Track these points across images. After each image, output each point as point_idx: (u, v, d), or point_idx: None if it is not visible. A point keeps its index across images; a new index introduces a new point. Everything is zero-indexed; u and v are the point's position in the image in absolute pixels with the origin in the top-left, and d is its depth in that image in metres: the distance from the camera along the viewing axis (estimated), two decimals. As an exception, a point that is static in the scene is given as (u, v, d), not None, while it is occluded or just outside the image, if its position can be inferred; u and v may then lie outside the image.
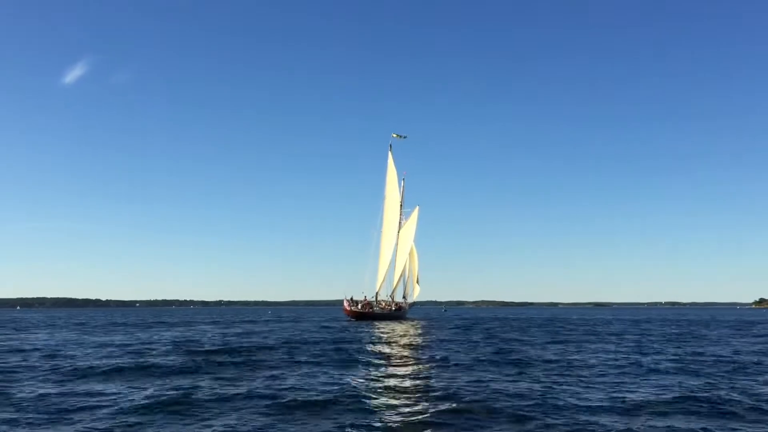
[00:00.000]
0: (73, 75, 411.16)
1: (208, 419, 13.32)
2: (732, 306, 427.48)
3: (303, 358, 25.31)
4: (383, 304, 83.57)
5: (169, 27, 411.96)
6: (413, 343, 35.39)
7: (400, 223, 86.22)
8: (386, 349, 30.13)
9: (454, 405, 14.49)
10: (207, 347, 31.27)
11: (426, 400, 15.29)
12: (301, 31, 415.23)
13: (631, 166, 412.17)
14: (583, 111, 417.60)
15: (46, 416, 13.62)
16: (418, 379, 19.26)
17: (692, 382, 18.39)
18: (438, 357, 25.85)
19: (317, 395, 15.98)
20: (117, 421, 13.09)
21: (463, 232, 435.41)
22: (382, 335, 42.89)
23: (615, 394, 16.19)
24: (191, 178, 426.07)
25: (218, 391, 16.78)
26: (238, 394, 16.26)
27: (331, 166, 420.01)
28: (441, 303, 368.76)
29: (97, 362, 23.98)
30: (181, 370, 21.34)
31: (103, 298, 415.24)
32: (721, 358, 25.82)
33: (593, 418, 13.26)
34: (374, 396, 15.99)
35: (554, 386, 17.53)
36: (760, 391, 16.84)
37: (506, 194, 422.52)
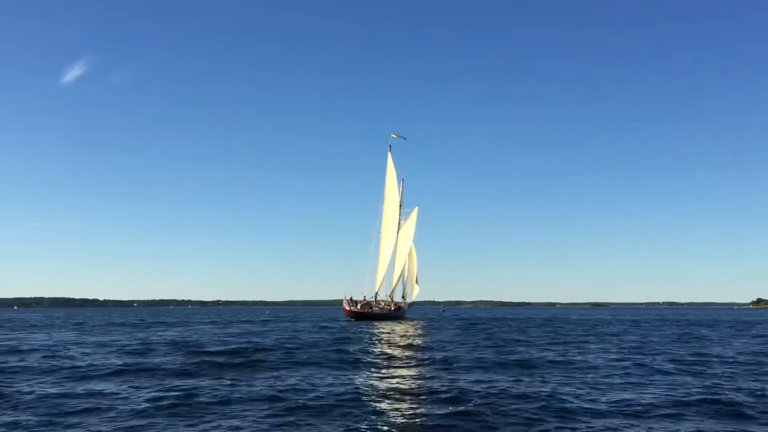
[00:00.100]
0: (72, 75, 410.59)
1: (210, 422, 13.14)
2: (730, 306, 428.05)
3: (303, 359, 25.13)
4: (382, 304, 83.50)
5: (168, 27, 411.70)
6: (413, 343, 35.22)
7: (399, 223, 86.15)
8: (387, 350, 29.97)
9: (460, 408, 14.31)
10: (206, 348, 31.09)
11: (431, 402, 15.11)
12: (301, 31, 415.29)
13: (631, 166, 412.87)
14: (583, 111, 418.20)
15: (46, 418, 13.43)
16: (421, 380, 19.09)
17: (699, 384, 18.25)
18: (439, 358, 25.69)
19: (319, 397, 15.83)
20: (118, 423, 12.92)
21: (463, 232, 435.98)
22: (381, 335, 42.73)
23: (622, 396, 16.03)
24: (189, 178, 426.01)
25: (219, 392, 16.61)
26: (238, 396, 16.09)
27: (330, 166, 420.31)
28: (439, 303, 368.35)
29: (97, 363, 23.80)
30: (181, 371, 21.16)
31: (101, 298, 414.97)
32: (725, 359, 25.69)
33: (602, 421, 13.10)
34: (377, 398, 15.82)
35: (560, 388, 17.37)
36: None
37: (506, 194, 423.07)
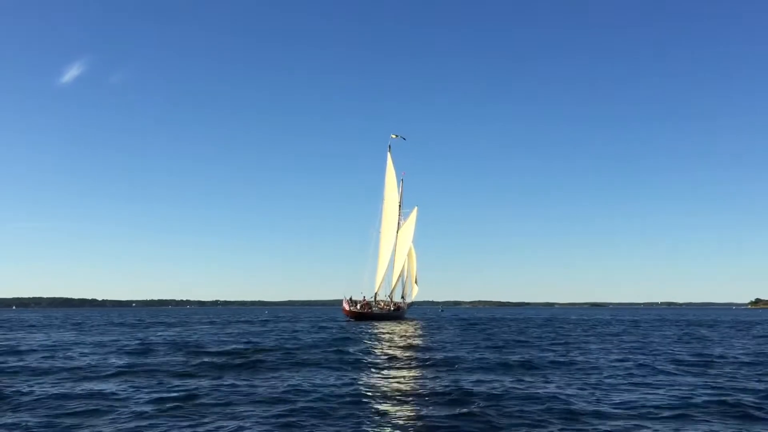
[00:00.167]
0: (70, 75, 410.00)
1: (211, 423, 13.00)
2: (728, 306, 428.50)
3: (303, 360, 25.00)
4: (382, 304, 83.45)
5: (167, 26, 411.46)
6: (414, 343, 35.10)
7: (398, 223, 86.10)
8: (388, 350, 29.84)
9: (464, 409, 14.17)
10: (206, 348, 30.95)
11: (434, 404, 14.98)
12: (301, 31, 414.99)
13: (631, 166, 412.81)
14: (583, 111, 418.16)
15: (46, 419, 13.29)
16: (424, 381, 18.96)
17: (704, 384, 18.15)
18: (441, 358, 25.55)
19: (320, 398, 15.70)
20: (118, 424, 12.78)
21: (462, 232, 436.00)
22: (381, 336, 42.61)
23: (626, 397, 15.92)
24: (188, 178, 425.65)
25: (219, 393, 16.48)
26: (239, 397, 15.97)
27: (330, 166, 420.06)
28: (438, 303, 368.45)
29: (96, 363, 23.65)
30: (181, 372, 21.02)
31: (99, 298, 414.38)
32: (729, 360, 25.58)
33: (607, 422, 12.98)
34: (379, 399, 15.69)
35: (564, 389, 17.26)
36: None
37: (505, 194, 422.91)
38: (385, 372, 21.24)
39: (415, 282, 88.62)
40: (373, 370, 21.84)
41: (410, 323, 68.92)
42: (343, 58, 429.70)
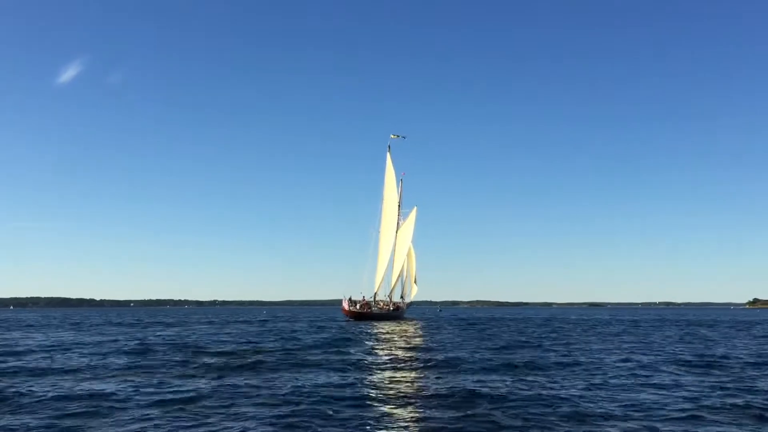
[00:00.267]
0: (68, 75, 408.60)
1: (211, 424, 12.83)
2: (726, 306, 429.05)
3: (303, 360, 24.83)
4: (381, 304, 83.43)
5: (165, 26, 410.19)
6: (415, 344, 34.95)
7: (398, 223, 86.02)
8: (389, 351, 29.68)
9: (469, 411, 14.01)
10: (205, 348, 30.78)
11: (438, 405, 14.81)
12: (301, 31, 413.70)
13: (631, 166, 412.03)
14: (583, 111, 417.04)
15: (46, 420, 13.11)
16: (427, 382, 18.80)
17: (710, 385, 18.01)
18: (443, 359, 25.39)
19: (321, 399, 15.53)
20: (118, 426, 12.60)
21: (462, 233, 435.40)
22: (381, 336, 42.45)
23: (632, 398, 15.76)
24: (186, 178, 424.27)
25: (220, 394, 16.32)
26: (239, 398, 15.82)
27: (330, 166, 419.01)
28: (436, 303, 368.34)
29: (96, 363, 23.47)
30: (181, 372, 20.85)
31: (98, 298, 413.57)
32: (733, 360, 25.45)
33: (614, 424, 12.82)
34: (382, 400, 15.53)
35: (569, 390, 17.11)
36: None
37: (505, 194, 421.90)
38: (388, 373, 21.07)
39: (415, 282, 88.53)
40: (375, 371, 21.67)
41: (410, 323, 68.86)
42: (343, 58, 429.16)
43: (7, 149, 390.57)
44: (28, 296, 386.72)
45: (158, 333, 46.91)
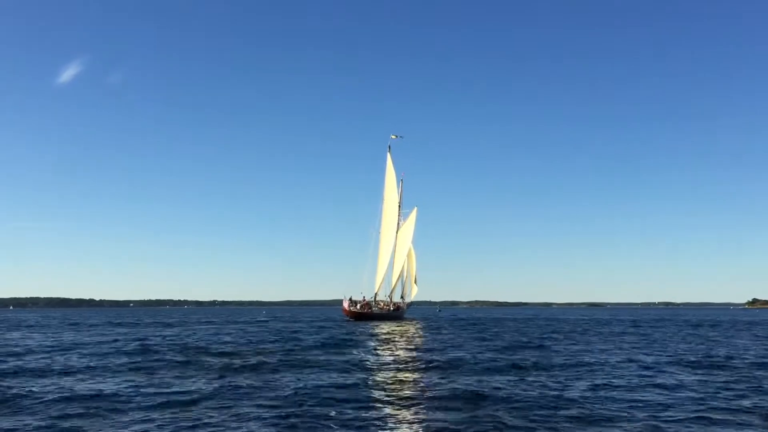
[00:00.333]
0: (68, 74, 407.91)
1: (213, 425, 12.69)
2: (725, 306, 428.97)
3: (305, 360, 24.70)
4: (381, 304, 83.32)
5: (165, 26, 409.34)
6: (416, 344, 34.82)
7: (398, 223, 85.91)
8: (390, 351, 29.55)
9: (475, 412, 13.89)
10: (206, 349, 30.64)
11: (441, 406, 14.68)
12: (301, 31, 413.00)
13: (631, 166, 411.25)
14: (583, 111, 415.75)
15: (49, 421, 12.98)
16: (429, 382, 18.67)
17: (716, 385, 17.89)
18: (445, 359, 25.27)
19: (325, 400, 15.40)
20: (118, 427, 12.47)
21: (462, 233, 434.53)
22: (382, 336, 42.31)
23: (639, 398, 15.64)
24: (186, 178, 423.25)
25: (222, 395, 16.21)
26: (240, 398, 15.70)
27: (330, 166, 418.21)
28: (435, 303, 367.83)
29: (96, 364, 23.33)
30: (182, 373, 20.72)
31: (97, 298, 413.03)
32: (738, 360, 25.32)
33: (621, 425, 12.69)
34: (387, 401, 15.40)
35: (574, 390, 16.97)
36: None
37: (505, 194, 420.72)
38: (390, 374, 20.93)
39: (415, 282, 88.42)
40: (377, 371, 21.54)
41: (410, 323, 68.82)
42: (343, 58, 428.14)
43: (7, 149, 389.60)
44: (28, 296, 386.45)
45: (158, 333, 46.78)
